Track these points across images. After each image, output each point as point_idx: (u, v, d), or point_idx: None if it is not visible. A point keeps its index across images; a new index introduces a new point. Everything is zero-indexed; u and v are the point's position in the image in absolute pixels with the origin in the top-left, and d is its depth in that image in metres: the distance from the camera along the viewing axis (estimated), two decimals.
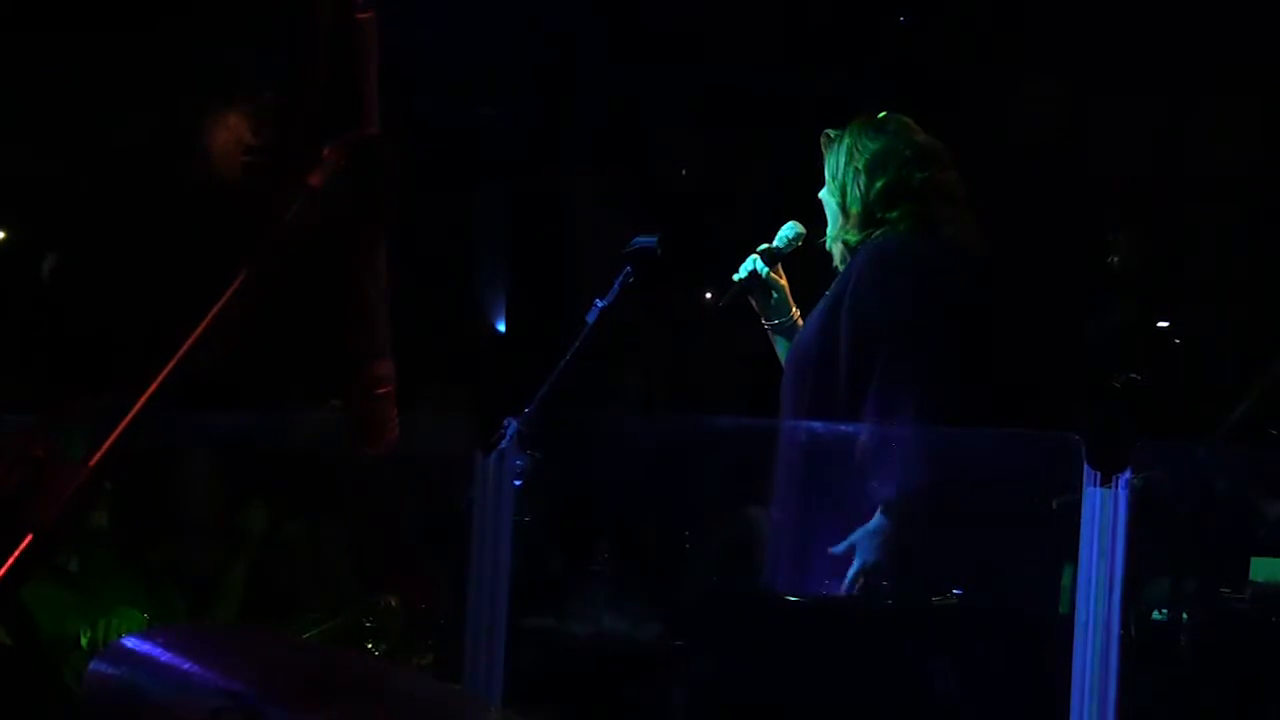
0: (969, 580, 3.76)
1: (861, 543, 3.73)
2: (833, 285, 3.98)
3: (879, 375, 3.79)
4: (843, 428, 3.86)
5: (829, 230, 4.03)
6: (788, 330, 4.15)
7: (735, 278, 4.11)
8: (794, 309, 4.17)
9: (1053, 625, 3.82)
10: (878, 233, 3.91)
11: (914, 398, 3.75)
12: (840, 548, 3.73)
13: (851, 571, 3.72)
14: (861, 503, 3.78)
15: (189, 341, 1.62)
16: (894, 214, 3.88)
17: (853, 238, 3.95)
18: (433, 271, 8.62)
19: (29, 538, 1.55)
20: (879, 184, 3.89)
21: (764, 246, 4.13)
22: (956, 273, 3.89)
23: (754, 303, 4.15)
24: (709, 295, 4.14)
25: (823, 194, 4.04)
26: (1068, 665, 3.46)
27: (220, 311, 1.66)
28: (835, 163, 3.99)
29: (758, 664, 3.87)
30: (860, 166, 3.92)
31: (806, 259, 4.18)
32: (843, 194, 3.95)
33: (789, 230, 4.14)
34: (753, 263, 4.10)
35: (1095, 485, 3.47)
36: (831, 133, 4.03)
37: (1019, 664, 3.80)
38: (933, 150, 3.96)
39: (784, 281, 4.16)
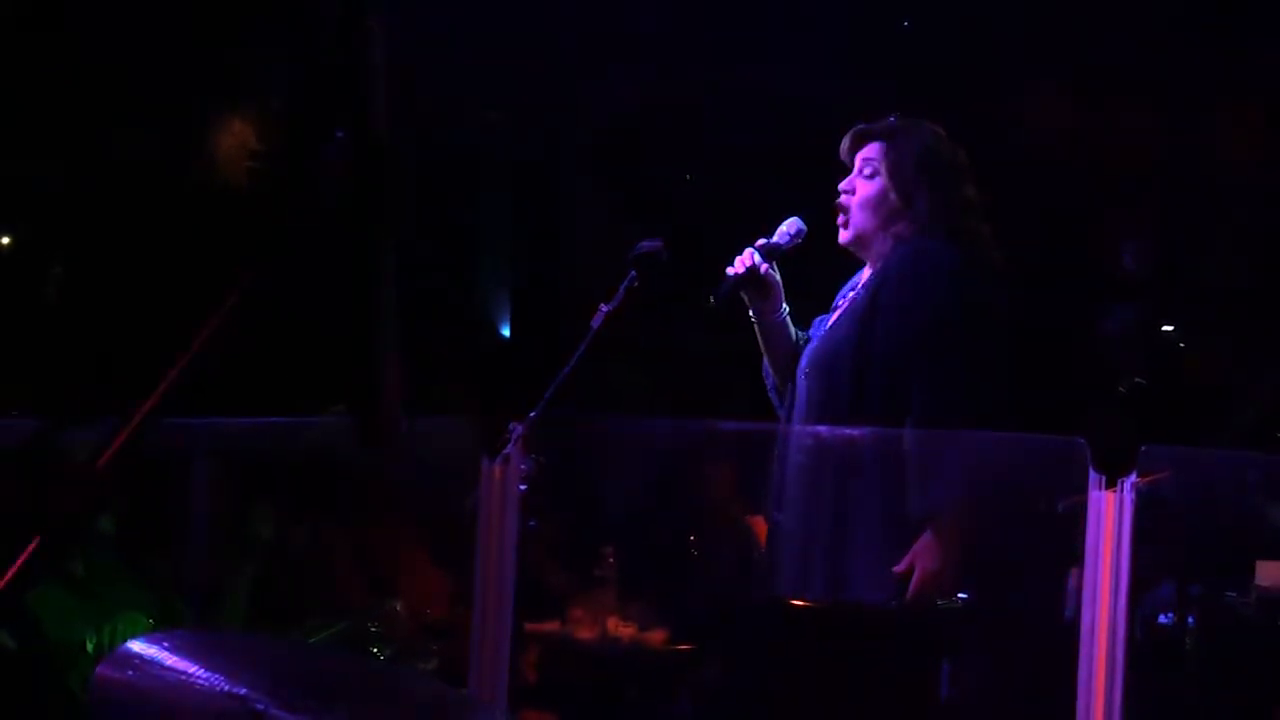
0: (974, 584, 3.76)
1: (921, 554, 3.72)
2: (862, 289, 3.96)
3: (924, 375, 3.77)
4: (870, 431, 3.84)
5: (854, 226, 3.99)
6: (777, 327, 4.11)
7: (730, 271, 4.00)
8: (784, 305, 4.12)
9: (1058, 629, 3.82)
10: (911, 235, 3.91)
11: (961, 397, 3.75)
12: (902, 565, 3.72)
13: (914, 584, 3.71)
14: (883, 506, 3.77)
15: (195, 346, 1.62)
16: (937, 223, 3.89)
17: (891, 239, 3.95)
18: (438, 276, 8.63)
19: (35, 541, 1.55)
20: (931, 195, 3.90)
21: (763, 241, 4.04)
22: (984, 281, 3.90)
23: (745, 298, 4.07)
24: (712, 300, 4.07)
25: (850, 189, 4.01)
26: (1073, 669, 3.46)
27: (225, 316, 1.66)
28: (876, 164, 3.97)
29: (764, 668, 3.87)
30: (909, 174, 3.92)
31: (801, 257, 4.13)
32: (883, 197, 3.94)
33: (791, 227, 4.05)
34: (751, 257, 4.01)
35: (1100, 489, 3.47)
36: (864, 129, 4.02)
37: (1024, 668, 3.79)
38: (965, 162, 3.98)
39: (778, 277, 4.09)
